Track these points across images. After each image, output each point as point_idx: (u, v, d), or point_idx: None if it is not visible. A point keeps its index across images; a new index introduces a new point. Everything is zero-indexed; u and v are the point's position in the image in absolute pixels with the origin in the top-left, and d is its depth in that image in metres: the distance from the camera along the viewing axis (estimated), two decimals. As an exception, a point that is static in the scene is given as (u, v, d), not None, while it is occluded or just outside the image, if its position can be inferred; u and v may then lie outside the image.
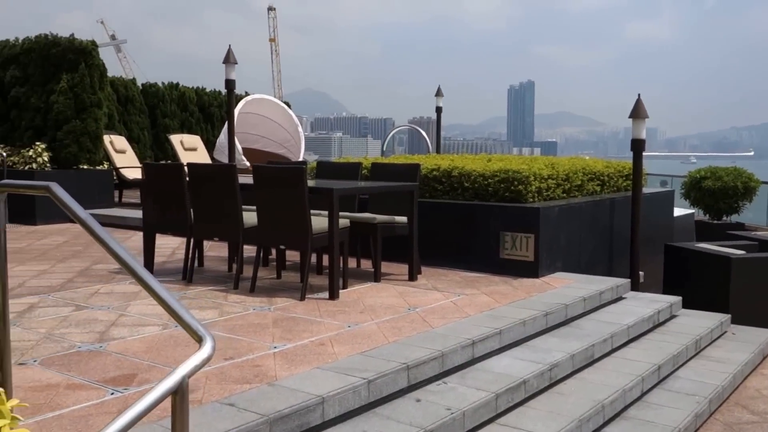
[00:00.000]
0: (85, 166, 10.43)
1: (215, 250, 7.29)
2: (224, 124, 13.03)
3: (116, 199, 11.19)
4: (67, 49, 10.30)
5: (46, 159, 10.15)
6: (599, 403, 4.02)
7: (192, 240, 5.84)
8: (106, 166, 10.96)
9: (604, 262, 7.25)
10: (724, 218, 11.72)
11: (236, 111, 12.53)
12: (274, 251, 6.45)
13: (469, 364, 4.13)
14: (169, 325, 4.32)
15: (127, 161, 11.65)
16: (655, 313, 5.68)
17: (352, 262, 6.41)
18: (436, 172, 6.92)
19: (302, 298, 5.11)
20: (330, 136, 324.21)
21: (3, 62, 10.83)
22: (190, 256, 5.80)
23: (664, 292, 7.32)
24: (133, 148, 12.49)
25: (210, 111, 16.32)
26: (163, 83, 15.86)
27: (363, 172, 7.01)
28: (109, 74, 12.47)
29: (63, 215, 6.57)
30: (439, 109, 14.61)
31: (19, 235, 8.53)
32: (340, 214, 5.42)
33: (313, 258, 6.09)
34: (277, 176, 5.33)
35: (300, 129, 14.62)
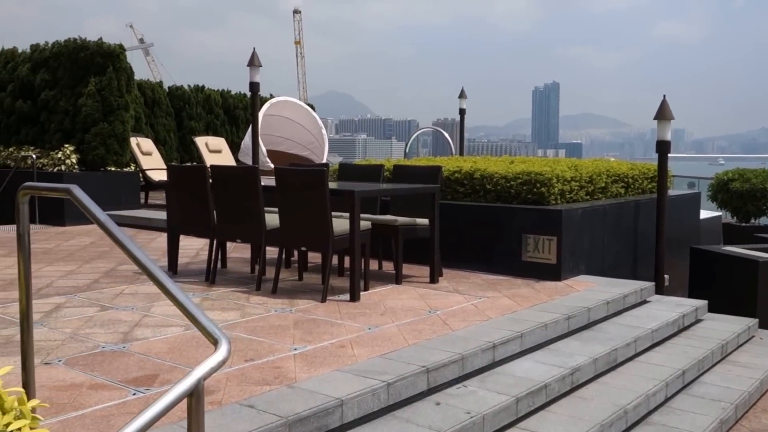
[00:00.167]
0: (112, 168, 10.57)
1: (238, 252, 7.35)
2: (249, 126, 13.11)
3: (142, 201, 11.32)
4: (95, 53, 10.44)
5: (74, 161, 10.30)
6: (622, 408, 3.98)
7: (215, 241, 5.88)
8: (132, 168, 11.09)
9: (628, 265, 7.17)
10: (752, 221, 11.54)
11: (261, 113, 12.62)
12: (296, 253, 6.48)
13: (490, 368, 4.11)
14: (192, 326, 4.35)
15: (153, 163, 11.77)
16: (680, 317, 5.61)
17: (373, 264, 6.42)
18: (458, 174, 6.91)
19: (323, 300, 5.13)
20: (354, 138, 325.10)
21: (33, 66, 11.01)
22: (213, 257, 5.84)
23: (690, 296, 7.22)
24: (159, 150, 12.62)
25: (235, 113, 16.43)
26: (189, 86, 16.01)
27: (385, 174, 7.01)
28: (138, 77, 12.63)
29: (89, 217, 6.67)
30: (462, 111, 14.57)
31: (48, 236, 8.67)
32: (362, 216, 5.43)
33: (335, 260, 6.11)
34: (299, 178, 5.36)
35: (324, 131, 14.67)
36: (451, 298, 5.36)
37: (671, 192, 8.13)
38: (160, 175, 11.36)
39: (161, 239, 7.73)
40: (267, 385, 3.33)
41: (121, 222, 9.50)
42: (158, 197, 12.37)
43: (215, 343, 1.94)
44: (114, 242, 2.21)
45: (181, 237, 6.33)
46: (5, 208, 8.13)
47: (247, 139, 13.01)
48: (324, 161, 13.46)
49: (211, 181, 5.82)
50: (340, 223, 5.29)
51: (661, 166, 7.10)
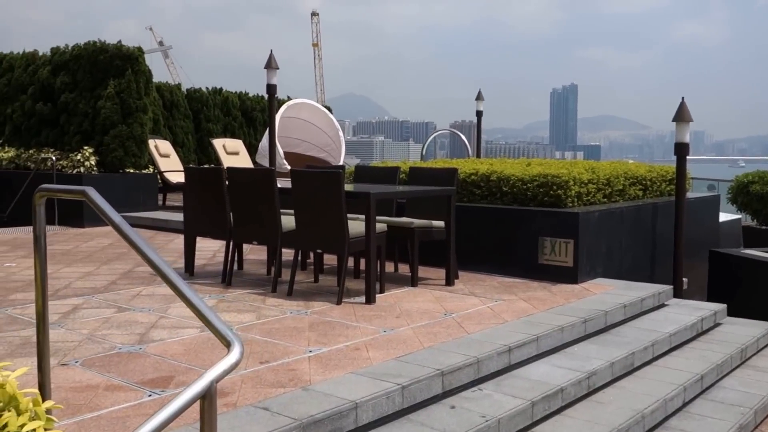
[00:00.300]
0: (131, 170, 10.66)
1: (255, 254, 7.37)
2: (266, 128, 13.16)
3: (160, 203, 11.40)
4: (115, 56, 10.54)
5: (93, 163, 10.39)
6: (639, 412, 3.95)
7: (231, 243, 5.91)
8: (150, 169, 11.17)
9: (646, 269, 7.11)
10: (773, 224, 11.38)
11: (278, 115, 12.65)
12: (312, 255, 6.49)
13: (505, 371, 4.09)
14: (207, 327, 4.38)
15: (171, 165, 11.85)
16: (698, 320, 5.55)
17: (389, 267, 6.42)
18: (475, 176, 6.88)
19: (339, 302, 5.13)
20: (372, 140, 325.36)
21: (54, 69, 11.13)
22: (229, 259, 5.87)
23: (709, 300, 7.15)
24: (177, 152, 12.70)
25: (252, 115, 16.51)
26: (207, 88, 16.10)
27: (401, 176, 7.00)
28: (157, 79, 12.72)
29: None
30: (479, 113, 14.53)
31: (67, 237, 8.75)
32: (378, 218, 5.42)
33: (351, 262, 6.11)
34: (315, 180, 5.36)
35: (341, 133, 14.68)
36: (467, 300, 5.34)
37: (690, 194, 8.05)
38: (177, 177, 11.43)
39: (179, 241, 7.77)
40: (281, 387, 3.33)
41: (139, 224, 9.58)
42: (176, 199, 12.45)
43: (228, 345, 1.94)
44: (128, 244, 2.22)
45: (198, 239, 6.36)
46: (26, 210, 8.22)
47: (265, 141, 13.04)
48: (341, 163, 13.47)
49: (227, 183, 5.85)
50: (356, 226, 5.29)
51: (680, 168, 7.03)
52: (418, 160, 13.10)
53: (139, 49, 10.89)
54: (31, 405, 1.84)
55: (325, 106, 15.88)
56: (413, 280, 5.87)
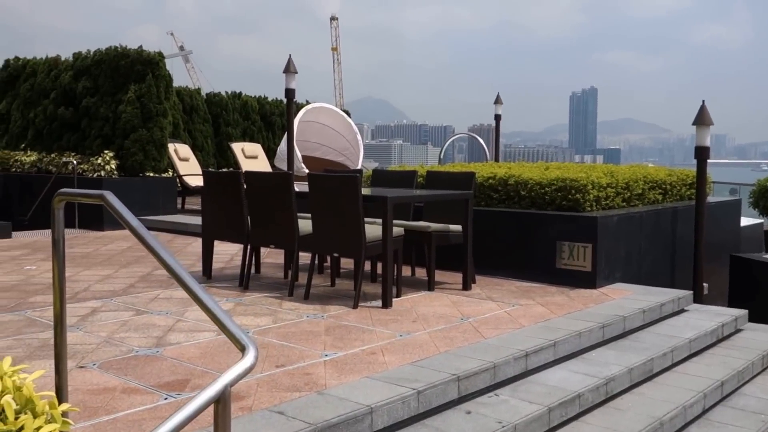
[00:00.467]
0: (151, 174, 10.74)
1: (272, 257, 7.39)
2: (285, 132, 13.21)
3: (179, 206, 11.48)
4: (135, 61, 10.64)
5: (113, 167, 10.49)
6: (658, 419, 3.90)
7: (249, 247, 5.93)
8: (170, 173, 11.26)
9: (665, 273, 7.04)
10: (797, 229, 11.22)
11: (296, 119, 12.70)
12: (329, 259, 6.50)
13: (522, 377, 4.07)
14: (224, 331, 4.40)
15: (190, 169, 11.93)
16: (718, 326, 5.49)
17: (406, 271, 6.41)
18: (492, 180, 6.86)
19: (355, 306, 5.13)
20: (390, 144, 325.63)
21: (75, 74, 11.27)
22: (247, 262, 5.89)
23: (730, 305, 7.06)
24: (196, 156, 12.79)
25: (271, 119, 16.59)
26: (226, 92, 16.21)
27: (419, 180, 7.00)
28: (177, 84, 12.82)
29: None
30: (497, 117, 14.47)
31: (86, 241, 8.84)
32: (395, 222, 5.42)
33: (367, 266, 6.11)
34: (332, 184, 5.37)
35: (359, 137, 14.71)
36: (484, 305, 5.32)
37: (710, 199, 7.97)
38: (196, 181, 11.51)
39: (197, 244, 7.82)
40: (297, 391, 3.34)
41: (159, 227, 9.65)
42: (195, 202, 12.53)
43: (243, 349, 1.95)
44: (145, 248, 2.24)
45: (216, 242, 6.40)
46: (47, 213, 8.32)
47: (283, 145, 13.10)
48: (359, 167, 13.48)
49: (245, 186, 5.88)
50: (373, 229, 5.29)
51: (700, 172, 6.96)
52: (436, 163, 13.08)
53: (160, 54, 10.98)
54: (47, 407, 1.85)
55: (344, 110, 15.91)
56: (430, 284, 5.86)
